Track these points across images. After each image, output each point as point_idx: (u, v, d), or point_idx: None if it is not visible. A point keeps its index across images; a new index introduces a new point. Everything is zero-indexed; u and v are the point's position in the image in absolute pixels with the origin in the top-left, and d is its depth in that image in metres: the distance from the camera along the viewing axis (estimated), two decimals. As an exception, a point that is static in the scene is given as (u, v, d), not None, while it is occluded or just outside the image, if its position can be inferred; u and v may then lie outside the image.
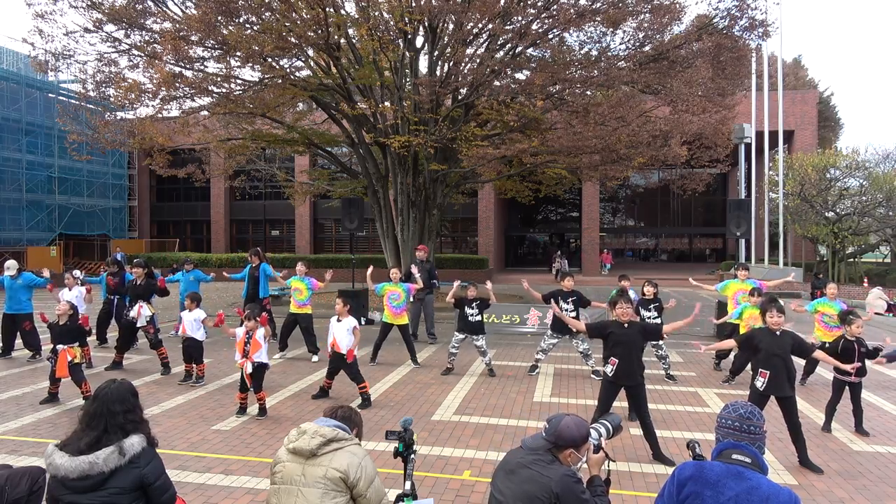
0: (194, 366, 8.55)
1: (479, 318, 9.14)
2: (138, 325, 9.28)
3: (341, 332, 7.43)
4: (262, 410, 7.04)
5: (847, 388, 6.62)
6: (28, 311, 10.05)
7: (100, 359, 10.01)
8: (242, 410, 7.08)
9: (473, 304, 9.12)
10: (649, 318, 8.83)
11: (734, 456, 2.46)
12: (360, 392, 7.47)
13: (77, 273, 10.14)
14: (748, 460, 2.44)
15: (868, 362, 6.61)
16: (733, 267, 10.79)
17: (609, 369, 5.84)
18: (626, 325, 5.86)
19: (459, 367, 9.58)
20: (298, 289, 10.21)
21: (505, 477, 2.71)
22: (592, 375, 8.92)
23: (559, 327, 8.98)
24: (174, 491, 3.07)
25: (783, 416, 5.65)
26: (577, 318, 8.83)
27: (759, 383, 5.65)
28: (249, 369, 6.89)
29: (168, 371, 9.11)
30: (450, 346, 9.32)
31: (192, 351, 8.47)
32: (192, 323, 8.43)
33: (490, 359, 9.23)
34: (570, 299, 9.00)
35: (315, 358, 10.11)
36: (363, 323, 13.74)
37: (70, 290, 9.75)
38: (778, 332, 5.72)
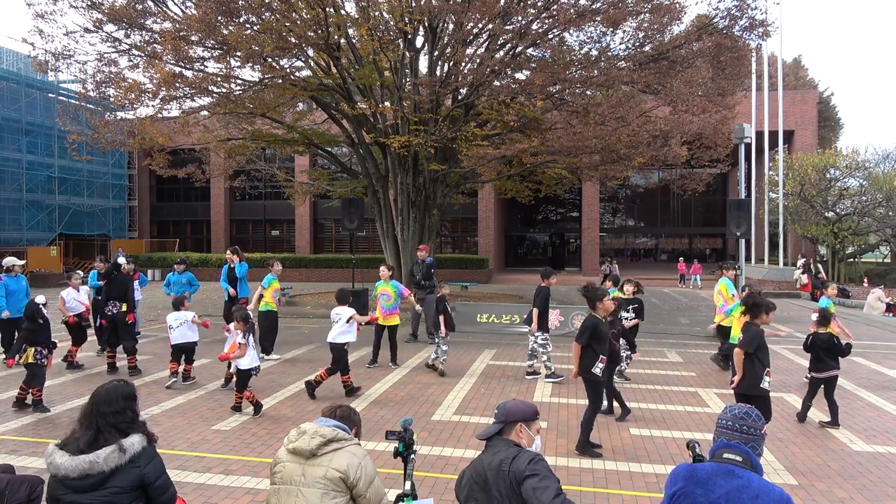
0: (180, 366, 8.46)
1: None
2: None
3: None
4: (258, 407, 7.09)
5: (822, 385, 6.82)
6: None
7: (88, 360, 10.00)
8: (237, 408, 7.07)
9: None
10: (627, 318, 8.58)
11: (725, 455, 2.49)
12: (344, 382, 7.69)
13: (81, 273, 10.04)
14: (739, 459, 2.45)
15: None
16: (721, 266, 10.61)
17: (599, 369, 5.87)
18: (604, 320, 5.95)
19: (459, 367, 9.58)
20: (276, 288, 10.22)
21: (480, 491, 2.65)
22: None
23: (544, 326, 8.92)
24: (174, 490, 3.07)
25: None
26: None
27: (766, 383, 5.54)
28: (233, 369, 6.91)
29: (137, 373, 8.97)
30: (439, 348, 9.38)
31: (187, 351, 8.49)
32: (184, 325, 8.39)
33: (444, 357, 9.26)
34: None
35: (275, 356, 10.09)
36: (363, 324, 13.72)
37: (78, 290, 9.48)
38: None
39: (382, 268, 10.08)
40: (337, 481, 2.83)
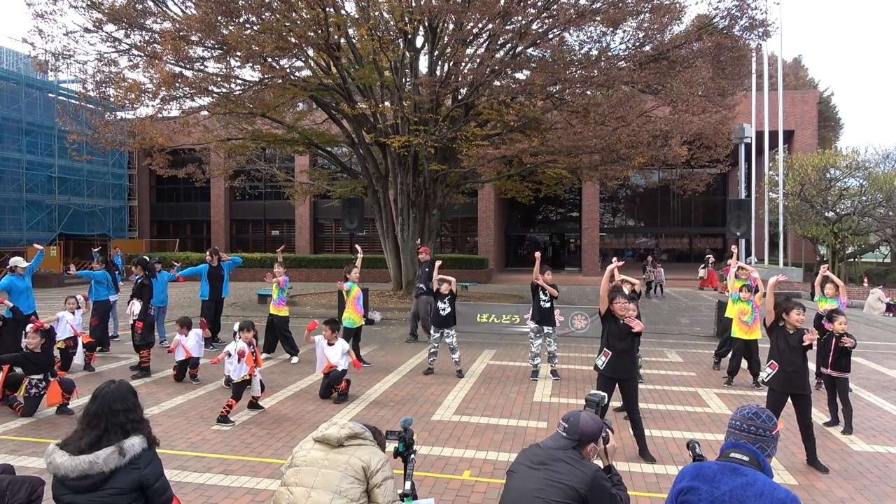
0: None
1: (448, 310, 9.23)
2: (130, 321, 9.25)
3: (335, 356, 7.56)
4: (254, 406, 7.19)
5: (835, 383, 6.67)
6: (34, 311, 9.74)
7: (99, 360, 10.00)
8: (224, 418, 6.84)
9: (445, 299, 9.23)
10: None
11: (732, 454, 2.52)
12: (337, 389, 7.59)
13: (79, 297, 9.48)
14: (745, 458, 2.48)
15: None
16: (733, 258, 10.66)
17: (601, 361, 5.88)
18: (622, 320, 5.91)
19: (459, 367, 9.56)
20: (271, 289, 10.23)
21: (531, 468, 2.83)
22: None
23: (538, 319, 8.95)
24: (172, 493, 3.08)
25: (795, 414, 5.62)
26: (551, 309, 8.97)
27: (766, 374, 5.69)
28: (260, 376, 7.08)
29: (147, 374, 8.89)
30: (429, 347, 9.37)
31: (191, 362, 8.67)
32: (195, 346, 8.61)
33: (459, 358, 9.18)
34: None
35: (295, 359, 10.07)
36: (363, 323, 13.71)
37: (73, 314, 8.99)
38: (791, 331, 5.65)
39: (354, 269, 9.78)
40: (358, 469, 2.97)
